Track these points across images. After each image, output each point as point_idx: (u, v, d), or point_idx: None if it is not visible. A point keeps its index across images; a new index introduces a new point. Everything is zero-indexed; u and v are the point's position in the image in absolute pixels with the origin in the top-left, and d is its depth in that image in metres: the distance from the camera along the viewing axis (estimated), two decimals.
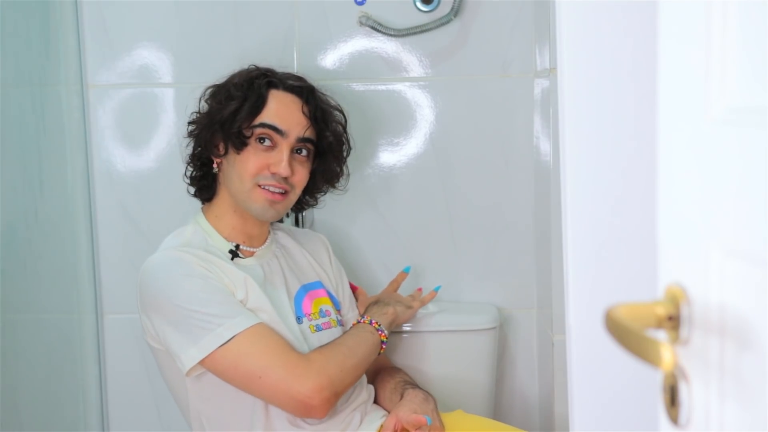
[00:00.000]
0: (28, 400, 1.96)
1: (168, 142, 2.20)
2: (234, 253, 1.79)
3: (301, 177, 1.80)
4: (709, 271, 0.74)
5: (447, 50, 2.17)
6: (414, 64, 2.18)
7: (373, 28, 2.13)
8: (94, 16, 2.17)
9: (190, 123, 1.86)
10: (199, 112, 1.85)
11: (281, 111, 1.78)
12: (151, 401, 2.26)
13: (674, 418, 0.76)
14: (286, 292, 1.82)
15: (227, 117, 1.76)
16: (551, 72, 1.95)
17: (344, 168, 1.94)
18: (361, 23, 2.13)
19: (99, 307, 2.23)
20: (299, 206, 1.95)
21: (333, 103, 1.89)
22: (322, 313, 1.85)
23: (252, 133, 1.75)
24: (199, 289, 1.66)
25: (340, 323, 1.89)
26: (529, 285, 2.21)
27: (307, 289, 1.87)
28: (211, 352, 1.62)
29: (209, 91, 1.84)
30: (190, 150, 1.85)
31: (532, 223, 2.19)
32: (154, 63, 2.19)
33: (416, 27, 2.11)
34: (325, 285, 1.91)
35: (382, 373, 1.95)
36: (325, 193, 1.95)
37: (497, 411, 2.21)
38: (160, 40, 2.18)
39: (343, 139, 1.90)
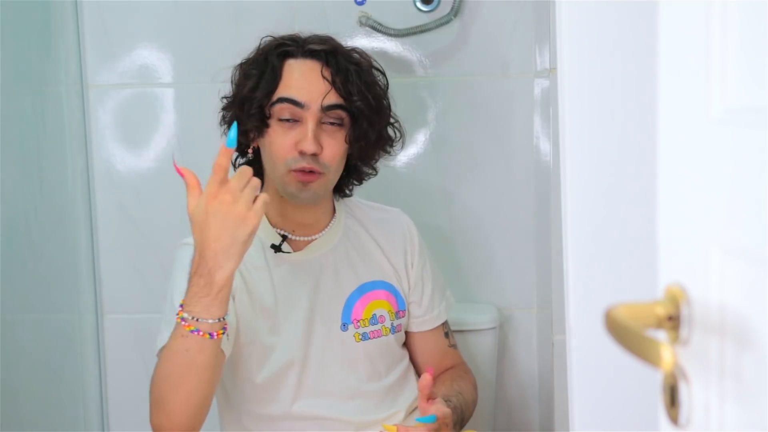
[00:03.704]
0: (28, 400, 1.96)
1: (168, 142, 2.20)
2: (277, 248, 1.69)
3: (333, 151, 1.63)
4: (709, 271, 0.74)
5: (447, 50, 2.17)
6: (414, 64, 2.18)
7: (373, 28, 2.13)
8: (94, 16, 2.17)
9: (221, 110, 1.76)
10: (226, 97, 1.75)
11: (299, 81, 1.64)
12: None
13: (674, 418, 0.76)
14: (336, 295, 1.71)
15: (245, 97, 1.66)
16: (551, 72, 1.95)
17: (387, 131, 1.74)
18: (361, 23, 2.13)
19: (99, 307, 2.23)
20: (359, 178, 1.78)
21: (365, 61, 1.71)
22: (374, 320, 1.73)
23: (271, 113, 1.64)
24: (178, 284, 1.56)
25: (395, 330, 1.76)
26: (529, 285, 2.21)
27: (363, 290, 1.74)
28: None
29: (233, 73, 1.74)
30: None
31: (532, 223, 2.19)
32: (154, 63, 2.19)
33: (416, 27, 2.11)
34: (392, 282, 1.76)
35: (444, 375, 1.82)
36: (377, 160, 1.77)
37: (497, 411, 2.21)
38: (160, 40, 2.18)
39: (374, 101, 1.68)
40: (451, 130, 2.19)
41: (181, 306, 1.43)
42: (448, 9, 2.12)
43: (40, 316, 2.07)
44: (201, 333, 1.41)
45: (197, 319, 1.41)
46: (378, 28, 2.12)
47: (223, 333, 1.44)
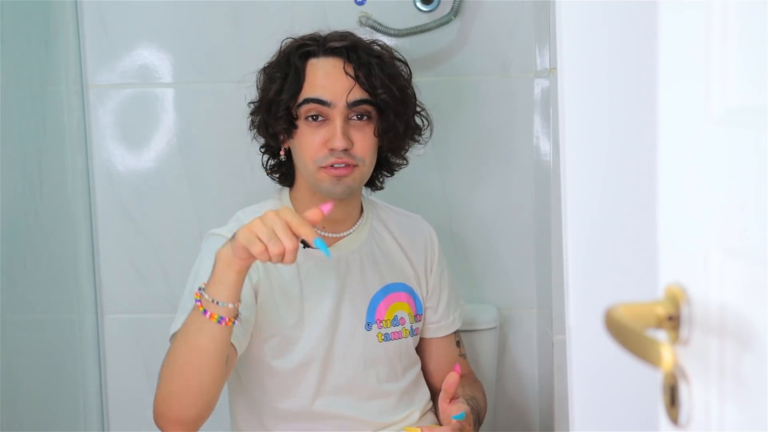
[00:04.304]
0: (28, 400, 1.96)
1: (168, 142, 2.20)
2: (305, 243, 1.67)
3: (363, 146, 1.65)
4: (709, 271, 0.74)
5: (447, 50, 2.17)
6: (414, 64, 2.17)
7: (373, 28, 2.13)
8: (94, 16, 2.17)
9: (249, 114, 1.77)
10: (253, 102, 1.76)
11: (323, 80, 1.65)
12: (151, 401, 2.25)
13: (674, 418, 0.76)
14: (362, 293, 1.73)
15: (271, 101, 1.67)
16: (551, 72, 1.95)
17: (414, 120, 1.75)
18: (361, 23, 2.13)
19: (99, 307, 2.23)
20: (390, 169, 1.80)
21: (386, 53, 1.73)
22: (396, 321, 1.75)
23: (298, 114, 1.65)
24: (201, 271, 1.60)
25: (414, 332, 1.78)
26: (529, 285, 2.21)
27: (387, 291, 1.75)
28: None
29: (257, 77, 1.75)
30: (262, 140, 1.77)
31: (532, 223, 2.19)
32: (154, 63, 2.19)
33: (416, 27, 2.11)
34: (412, 285, 1.78)
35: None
36: (407, 150, 1.79)
37: (497, 411, 2.21)
38: (160, 40, 2.18)
39: (398, 92, 1.69)
40: (451, 130, 2.19)
41: (200, 289, 1.47)
42: (448, 9, 2.12)
43: (40, 316, 2.07)
44: (208, 314, 1.44)
45: (209, 299, 1.44)
46: (378, 28, 2.12)
47: (233, 323, 1.46)
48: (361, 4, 2.15)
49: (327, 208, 1.44)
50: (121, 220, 2.22)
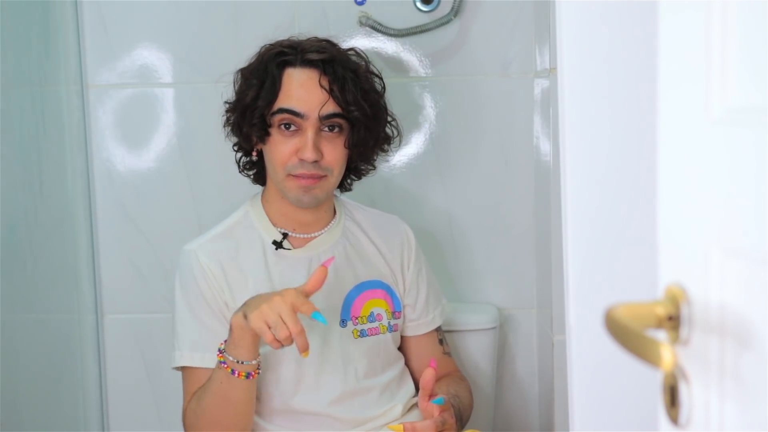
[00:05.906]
0: (28, 400, 1.96)
1: (168, 142, 2.20)
2: (278, 244, 1.74)
3: (333, 157, 1.69)
4: (709, 271, 0.74)
5: (447, 50, 2.17)
6: (414, 64, 2.18)
7: (373, 28, 2.13)
8: (94, 16, 2.17)
9: (225, 112, 1.80)
10: (229, 102, 1.79)
11: (298, 92, 1.68)
12: (151, 401, 2.26)
13: (674, 418, 0.76)
14: (335, 291, 1.74)
15: (247, 106, 1.71)
16: (551, 72, 1.95)
17: (385, 132, 1.79)
18: (361, 23, 2.13)
19: (99, 307, 2.23)
20: (358, 174, 1.84)
21: (362, 68, 1.76)
22: (372, 317, 1.78)
23: (272, 122, 1.69)
24: (183, 303, 1.73)
25: (392, 329, 1.80)
26: (529, 285, 2.21)
27: (362, 288, 1.78)
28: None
29: (235, 77, 1.79)
30: (234, 139, 1.80)
31: (532, 223, 2.19)
32: (154, 63, 2.19)
33: (416, 27, 2.11)
34: (388, 283, 1.81)
35: (439, 380, 1.81)
36: (376, 159, 1.84)
37: (497, 411, 2.21)
38: (160, 40, 2.18)
39: (370, 108, 1.72)
40: (451, 130, 2.19)
41: (221, 350, 1.62)
42: (448, 9, 2.12)
43: (40, 316, 2.07)
44: (236, 374, 1.59)
45: (234, 360, 1.59)
46: (378, 28, 2.12)
47: (258, 373, 1.62)
48: (361, 4, 2.15)
49: (329, 262, 1.59)
50: (121, 220, 2.22)
